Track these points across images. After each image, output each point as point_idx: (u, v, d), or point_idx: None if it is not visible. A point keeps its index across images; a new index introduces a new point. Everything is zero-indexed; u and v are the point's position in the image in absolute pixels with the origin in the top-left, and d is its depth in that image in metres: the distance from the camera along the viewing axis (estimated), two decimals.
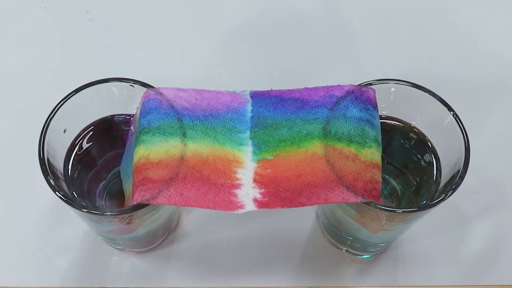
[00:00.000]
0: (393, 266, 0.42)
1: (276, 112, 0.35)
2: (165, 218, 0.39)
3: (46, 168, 0.33)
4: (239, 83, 0.47)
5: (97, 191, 0.39)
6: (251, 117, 0.35)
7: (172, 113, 0.34)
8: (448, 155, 0.36)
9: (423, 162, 0.38)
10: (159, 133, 0.33)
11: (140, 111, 0.35)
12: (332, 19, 0.54)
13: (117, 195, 0.39)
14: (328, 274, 0.42)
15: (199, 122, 0.34)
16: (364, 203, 0.32)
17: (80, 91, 0.35)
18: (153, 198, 0.32)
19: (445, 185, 0.35)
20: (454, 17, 0.55)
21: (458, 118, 0.35)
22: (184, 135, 0.34)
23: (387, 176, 0.40)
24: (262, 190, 0.32)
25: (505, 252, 0.43)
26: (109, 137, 0.38)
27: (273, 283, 0.41)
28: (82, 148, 0.37)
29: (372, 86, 0.36)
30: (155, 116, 0.34)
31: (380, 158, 0.34)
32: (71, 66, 0.51)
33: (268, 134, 0.34)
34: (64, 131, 0.36)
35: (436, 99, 0.35)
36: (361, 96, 0.35)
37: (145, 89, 0.35)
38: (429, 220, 0.40)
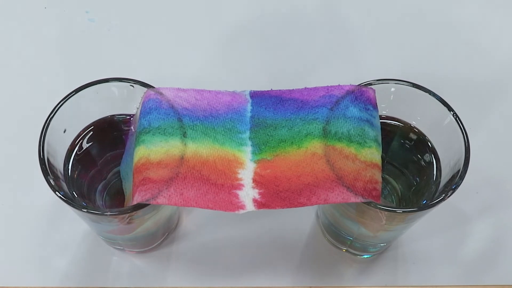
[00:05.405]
0: (393, 266, 0.42)
1: (276, 112, 0.35)
2: (165, 218, 0.39)
3: (46, 168, 0.33)
4: (239, 83, 0.47)
5: (97, 191, 0.39)
6: (250, 117, 0.35)
7: (172, 113, 0.34)
8: (448, 155, 0.36)
9: (423, 162, 0.38)
10: (159, 133, 0.33)
11: (140, 111, 0.35)
12: (332, 19, 0.54)
13: (117, 195, 0.39)
14: (328, 274, 0.42)
15: (199, 122, 0.34)
16: (364, 203, 0.32)
17: (80, 91, 0.35)
18: (153, 198, 0.32)
19: (445, 185, 0.35)
20: (454, 17, 0.55)
21: (458, 118, 0.35)
22: (184, 135, 0.34)
23: (387, 176, 0.40)
24: (262, 191, 0.32)
25: (505, 252, 0.43)
26: (109, 137, 0.38)
27: (273, 283, 0.41)
28: (82, 148, 0.37)
29: (372, 86, 0.36)
30: (155, 116, 0.34)
31: (380, 158, 0.34)
32: (71, 66, 0.51)
33: (268, 134, 0.34)
34: (64, 131, 0.36)
35: (436, 99, 0.35)
36: (361, 96, 0.35)
37: (145, 89, 0.35)
38: (429, 220, 0.40)
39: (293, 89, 0.36)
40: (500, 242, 0.43)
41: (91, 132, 0.37)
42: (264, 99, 0.35)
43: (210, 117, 0.35)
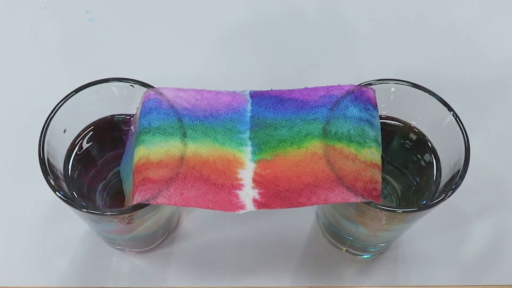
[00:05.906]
0: (393, 266, 0.42)
1: (276, 112, 0.35)
2: (165, 218, 0.39)
3: (46, 168, 0.33)
4: (239, 83, 0.47)
5: (97, 191, 0.39)
6: (250, 117, 0.35)
7: (172, 113, 0.34)
8: (448, 155, 0.36)
9: (423, 162, 0.38)
10: (159, 133, 0.33)
11: (140, 111, 0.35)
12: (332, 19, 0.54)
13: (117, 195, 0.39)
14: (328, 274, 0.42)
15: (199, 122, 0.34)
16: (364, 203, 0.32)
17: (80, 91, 0.35)
18: (153, 198, 0.32)
19: (445, 185, 0.35)
20: (454, 17, 0.55)
21: (458, 118, 0.35)
22: (184, 135, 0.34)
23: (387, 176, 0.40)
24: (262, 191, 0.32)
25: (505, 252, 0.43)
26: (109, 137, 0.38)
27: (273, 283, 0.41)
28: (82, 148, 0.37)
29: (372, 86, 0.36)
30: (155, 116, 0.34)
31: (380, 158, 0.34)
32: (71, 66, 0.51)
33: (268, 134, 0.34)
34: (64, 131, 0.36)
35: (436, 99, 0.35)
36: (361, 96, 0.35)
37: (145, 89, 0.35)
38: (429, 220, 0.40)
39: (293, 89, 0.36)
40: (500, 242, 0.43)
41: (91, 132, 0.37)
42: (264, 99, 0.36)
43: (210, 117, 0.35)
